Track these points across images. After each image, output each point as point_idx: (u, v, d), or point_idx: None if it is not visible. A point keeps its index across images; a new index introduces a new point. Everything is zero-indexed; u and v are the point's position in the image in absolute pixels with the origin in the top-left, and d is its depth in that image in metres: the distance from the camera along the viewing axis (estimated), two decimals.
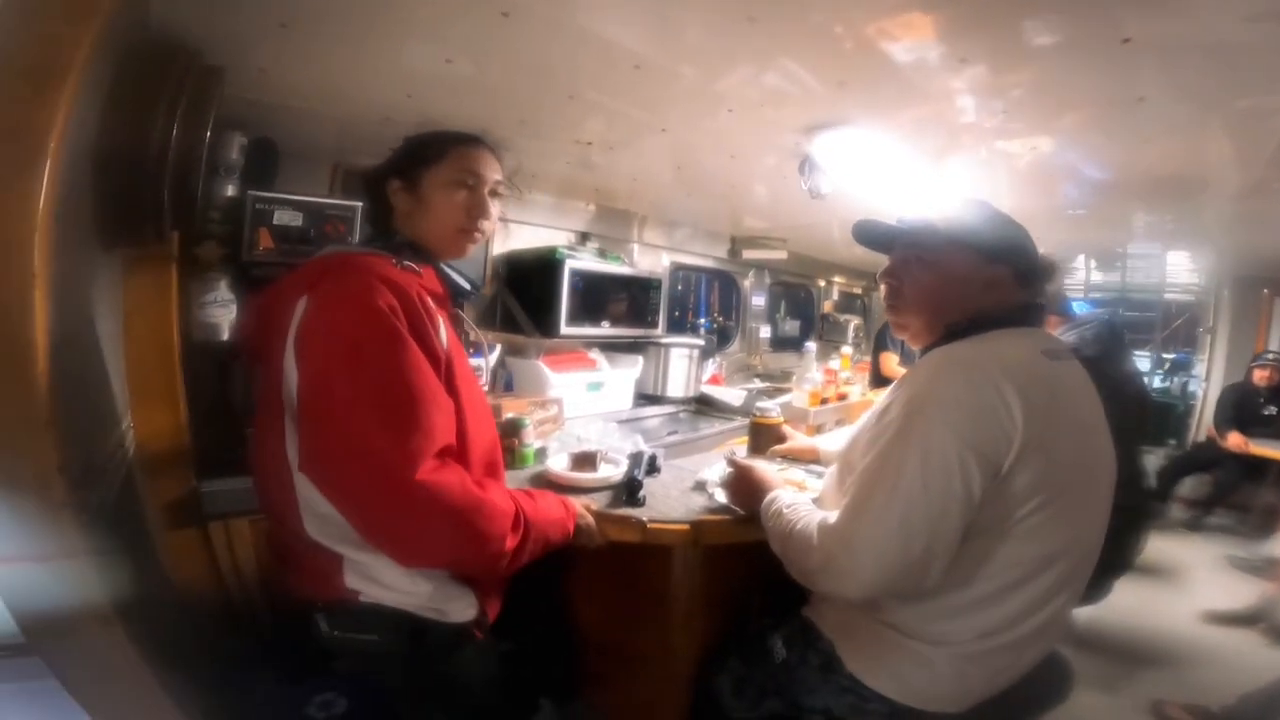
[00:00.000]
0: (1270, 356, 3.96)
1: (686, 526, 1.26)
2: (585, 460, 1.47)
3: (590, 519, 1.25)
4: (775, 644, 1.18)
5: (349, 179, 2.01)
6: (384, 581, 0.99)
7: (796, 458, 1.68)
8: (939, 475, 0.91)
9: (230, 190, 1.70)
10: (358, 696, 1.03)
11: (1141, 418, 2.44)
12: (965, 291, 1.08)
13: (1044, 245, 1.15)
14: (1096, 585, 1.66)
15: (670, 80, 1.62)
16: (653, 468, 1.51)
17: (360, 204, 1.79)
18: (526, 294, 2.52)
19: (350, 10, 1.30)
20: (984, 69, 1.52)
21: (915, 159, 2.13)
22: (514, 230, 2.66)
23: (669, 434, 2.53)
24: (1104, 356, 2.01)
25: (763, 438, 1.76)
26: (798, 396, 1.96)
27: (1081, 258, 4.83)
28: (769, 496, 1.19)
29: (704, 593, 1.43)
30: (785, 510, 1.12)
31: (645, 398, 2.94)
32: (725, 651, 1.28)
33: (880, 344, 3.90)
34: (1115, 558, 1.91)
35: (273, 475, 0.97)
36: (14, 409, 0.73)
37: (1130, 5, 1.22)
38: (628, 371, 2.77)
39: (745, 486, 1.28)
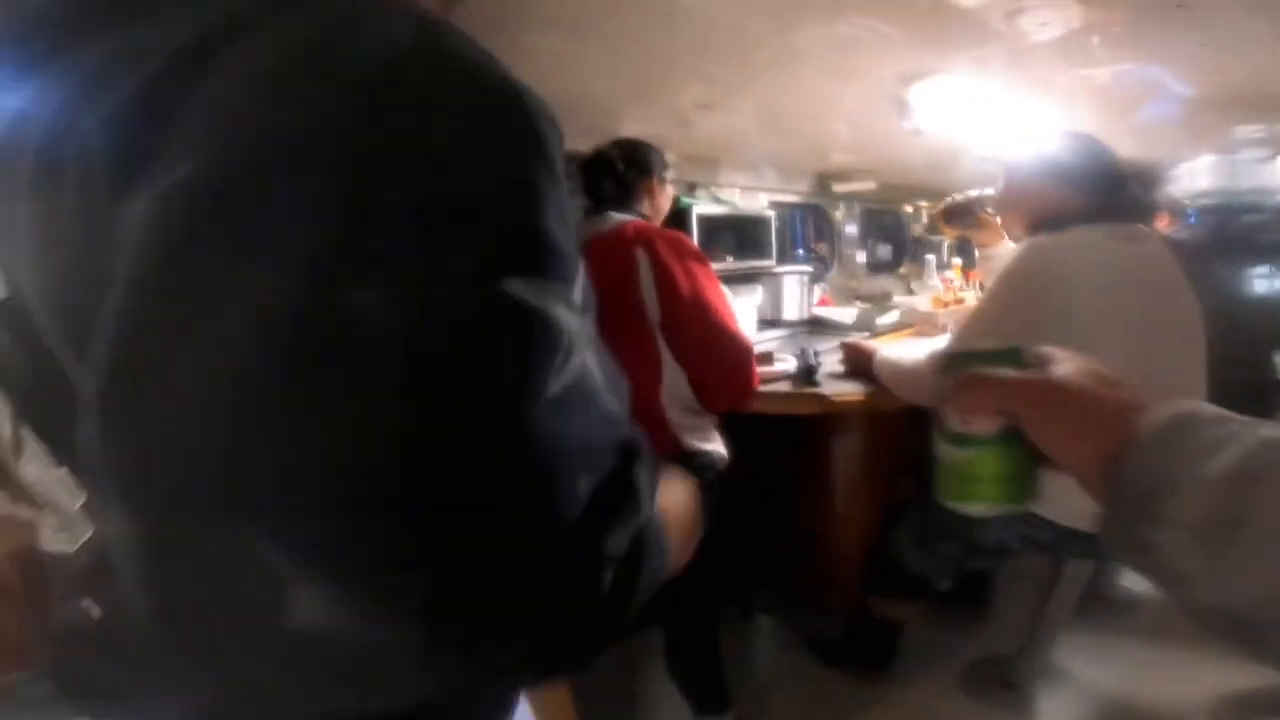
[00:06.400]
0: None
1: (862, 395, 1.54)
2: (763, 358, 1.82)
3: None
4: None
5: None
6: (701, 436, 1.47)
7: None
8: (1008, 305, 1.25)
9: None
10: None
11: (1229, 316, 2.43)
12: (1021, 203, 1.42)
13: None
14: None
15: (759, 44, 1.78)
16: (818, 359, 1.83)
17: None
18: None
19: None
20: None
21: (1005, 96, 2.28)
22: None
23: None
24: (1197, 254, 2.12)
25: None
26: (921, 301, 2.22)
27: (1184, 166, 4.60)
28: (877, 357, 1.53)
29: (874, 462, 1.72)
30: (891, 358, 1.48)
31: (764, 322, 3.24)
32: (900, 509, 1.52)
33: None
34: None
35: (637, 375, 1.45)
36: None
37: None
38: (750, 299, 3.09)
39: (855, 357, 1.65)
